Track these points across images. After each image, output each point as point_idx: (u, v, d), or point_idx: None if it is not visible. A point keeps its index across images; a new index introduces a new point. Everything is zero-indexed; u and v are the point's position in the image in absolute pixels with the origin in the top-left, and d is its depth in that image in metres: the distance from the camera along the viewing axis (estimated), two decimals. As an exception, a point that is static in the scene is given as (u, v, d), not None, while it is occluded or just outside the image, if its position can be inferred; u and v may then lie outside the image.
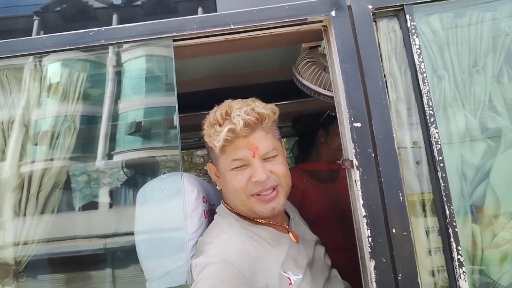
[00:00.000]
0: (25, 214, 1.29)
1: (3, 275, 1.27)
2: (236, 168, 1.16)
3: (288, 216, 1.36)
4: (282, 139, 1.32)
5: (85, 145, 1.36)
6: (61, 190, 1.33)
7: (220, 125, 1.16)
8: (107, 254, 1.32)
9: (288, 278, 1.15)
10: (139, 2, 1.56)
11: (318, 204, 1.94)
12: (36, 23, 1.51)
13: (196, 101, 2.07)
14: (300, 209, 1.94)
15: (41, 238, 1.29)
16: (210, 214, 1.34)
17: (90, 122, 1.37)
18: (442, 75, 1.25)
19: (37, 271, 1.31)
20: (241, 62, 2.00)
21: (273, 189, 1.16)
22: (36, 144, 1.34)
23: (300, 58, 1.50)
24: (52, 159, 1.33)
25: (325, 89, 1.41)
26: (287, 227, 1.30)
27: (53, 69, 1.37)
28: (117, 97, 1.38)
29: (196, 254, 1.18)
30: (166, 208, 1.24)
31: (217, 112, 1.18)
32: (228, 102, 1.20)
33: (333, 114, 1.95)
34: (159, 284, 1.24)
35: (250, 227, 1.20)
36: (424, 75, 1.19)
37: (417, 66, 1.20)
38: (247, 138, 1.15)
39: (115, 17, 1.46)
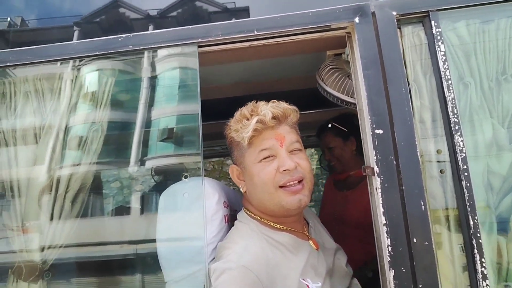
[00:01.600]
0: (59, 217, 1.34)
1: (30, 273, 1.31)
2: (264, 159, 1.19)
3: (308, 223, 1.35)
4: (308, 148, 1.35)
5: (112, 151, 1.41)
6: (92, 194, 1.38)
7: (248, 119, 1.20)
8: (136, 259, 1.36)
9: (307, 286, 1.14)
10: (174, 13, 1.61)
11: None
12: (75, 33, 1.58)
13: (221, 108, 2.10)
14: None
15: (71, 241, 1.33)
16: (231, 219, 1.35)
17: (117, 127, 1.42)
18: (468, 83, 1.23)
19: (64, 273, 1.35)
20: (266, 69, 2.02)
21: (299, 182, 1.18)
22: (69, 149, 1.38)
23: (323, 65, 1.50)
24: (87, 163, 1.38)
25: (348, 95, 1.40)
26: (307, 234, 1.29)
27: (84, 75, 1.43)
28: (142, 103, 1.42)
29: (215, 259, 1.19)
30: (187, 212, 1.26)
31: (243, 110, 1.24)
32: (252, 103, 1.25)
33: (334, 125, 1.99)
34: (177, 286, 1.26)
35: (270, 234, 1.20)
36: (449, 82, 1.17)
37: (442, 73, 1.18)
38: (274, 130, 1.20)
39: (150, 27, 1.52)
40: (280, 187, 1.17)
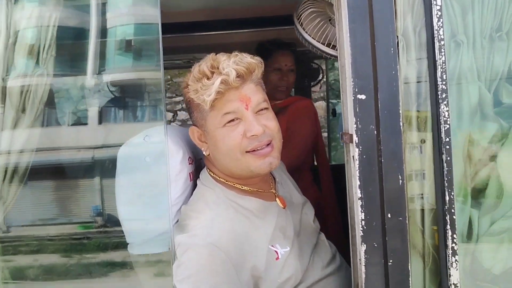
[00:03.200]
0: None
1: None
2: (228, 123, 1.08)
3: (275, 179, 1.28)
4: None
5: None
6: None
7: (208, 78, 1.06)
8: (94, 164, 1.31)
9: (276, 252, 1.10)
10: None
11: None
12: None
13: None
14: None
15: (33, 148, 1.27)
16: (196, 175, 1.26)
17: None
18: (460, 41, 1.11)
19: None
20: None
21: (268, 144, 1.10)
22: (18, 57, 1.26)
23: (302, 6, 1.31)
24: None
25: (330, 45, 1.25)
26: (274, 191, 1.23)
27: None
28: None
29: (179, 226, 1.11)
30: (148, 174, 1.15)
31: (201, 66, 1.08)
32: (211, 56, 1.10)
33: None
34: (140, 249, 1.20)
35: (236, 199, 1.13)
36: (442, 43, 1.05)
37: (435, 32, 1.05)
38: (239, 90, 1.08)
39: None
40: (248, 151, 1.08)
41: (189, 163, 1.23)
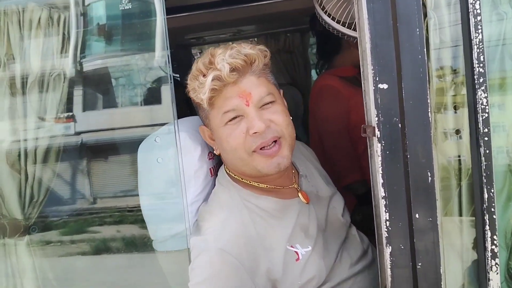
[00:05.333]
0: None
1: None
2: (229, 121, 1.02)
3: (298, 172, 1.22)
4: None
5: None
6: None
7: (204, 76, 1.01)
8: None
9: (296, 252, 1.06)
10: None
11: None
12: None
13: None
14: (348, 124, 1.68)
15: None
16: (218, 170, 1.23)
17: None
18: (504, 13, 0.96)
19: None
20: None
21: (275, 142, 1.03)
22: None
23: (322, -16, 1.20)
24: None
25: (352, 26, 1.14)
26: (296, 186, 1.17)
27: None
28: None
29: (195, 226, 1.10)
30: (164, 173, 1.14)
31: (199, 63, 1.03)
32: (210, 50, 1.03)
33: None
34: (164, 245, 1.21)
35: (252, 199, 1.09)
36: (479, 18, 0.90)
37: (470, 6, 0.91)
38: (237, 85, 1.01)
39: None
40: (255, 151, 1.02)
41: (209, 159, 1.20)
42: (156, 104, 1.33)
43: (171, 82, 1.06)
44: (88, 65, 1.32)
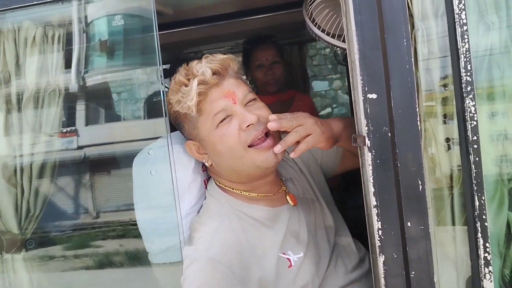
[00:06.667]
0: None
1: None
2: (220, 123, 1.06)
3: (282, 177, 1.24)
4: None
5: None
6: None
7: (186, 85, 1.05)
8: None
9: (288, 259, 1.06)
10: None
11: None
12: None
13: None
14: None
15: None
16: None
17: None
18: (490, 23, 0.97)
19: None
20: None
21: (267, 135, 1.07)
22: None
23: (311, -4, 1.22)
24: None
25: (341, 38, 1.16)
26: (285, 188, 1.19)
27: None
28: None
29: (188, 237, 1.11)
30: (158, 185, 1.14)
31: (177, 77, 1.08)
32: (183, 66, 1.10)
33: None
34: (159, 258, 1.21)
35: (243, 208, 1.10)
36: (464, 28, 0.92)
37: (456, 16, 0.92)
38: (220, 87, 1.06)
39: None
40: (250, 146, 1.05)
41: (203, 170, 1.21)
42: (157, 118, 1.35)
43: (163, 95, 1.08)
44: (90, 80, 1.34)
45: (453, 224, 0.97)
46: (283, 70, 2.19)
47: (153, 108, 1.34)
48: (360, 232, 1.25)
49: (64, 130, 1.32)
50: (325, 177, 1.35)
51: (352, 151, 1.22)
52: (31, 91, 1.20)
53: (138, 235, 1.22)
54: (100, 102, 1.48)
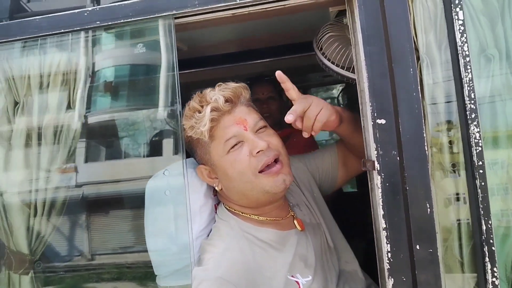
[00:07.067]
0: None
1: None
2: (232, 148, 1.09)
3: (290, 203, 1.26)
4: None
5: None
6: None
7: (199, 112, 1.09)
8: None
9: (297, 282, 1.07)
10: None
11: None
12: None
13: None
14: None
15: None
16: None
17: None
18: (491, 56, 1.03)
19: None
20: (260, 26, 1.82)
21: (276, 161, 1.09)
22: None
23: (322, 32, 1.29)
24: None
25: (350, 69, 1.22)
26: (292, 213, 1.21)
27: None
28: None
29: (198, 259, 1.11)
30: (171, 207, 1.16)
31: (191, 104, 1.12)
32: (197, 94, 1.14)
33: None
34: (167, 281, 1.20)
35: (252, 231, 1.12)
36: (467, 59, 0.98)
37: (459, 48, 0.98)
38: (232, 114, 1.10)
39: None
40: (260, 172, 1.08)
41: (214, 195, 1.23)
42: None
43: (181, 131, 1.13)
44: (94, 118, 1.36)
45: (461, 247, 0.98)
46: (279, 107, 2.26)
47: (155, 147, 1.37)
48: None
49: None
50: (330, 190, 1.36)
51: (350, 142, 1.25)
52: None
53: (133, 279, 1.24)
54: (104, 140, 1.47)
